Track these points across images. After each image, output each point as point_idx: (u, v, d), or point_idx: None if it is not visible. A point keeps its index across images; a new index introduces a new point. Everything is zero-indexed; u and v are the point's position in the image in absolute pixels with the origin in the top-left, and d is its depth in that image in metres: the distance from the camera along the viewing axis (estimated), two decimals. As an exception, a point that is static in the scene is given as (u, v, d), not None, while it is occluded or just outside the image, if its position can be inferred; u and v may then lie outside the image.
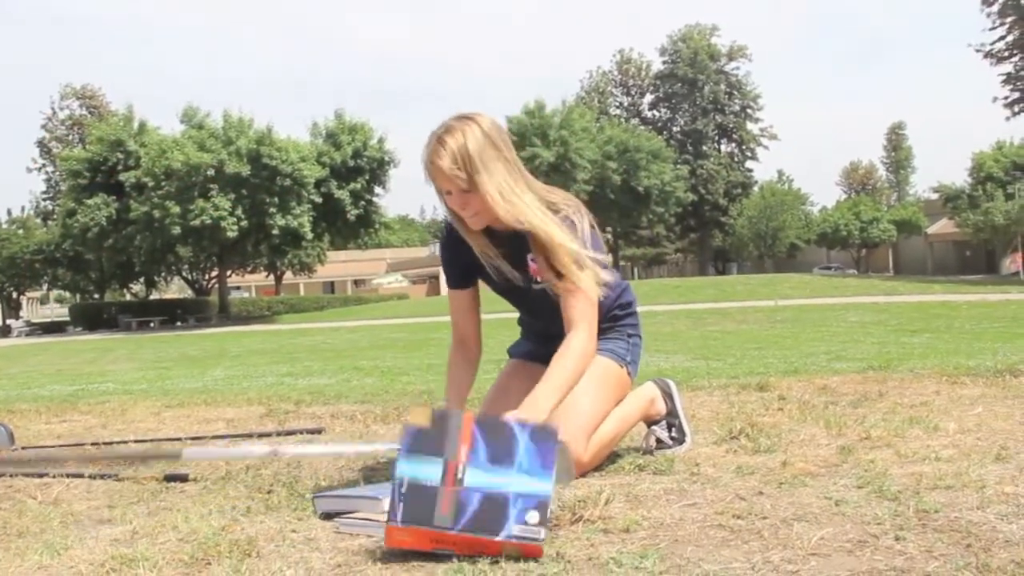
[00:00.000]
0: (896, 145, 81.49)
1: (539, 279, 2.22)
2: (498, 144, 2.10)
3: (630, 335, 2.46)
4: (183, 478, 2.39)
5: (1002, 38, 28.33)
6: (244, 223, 30.91)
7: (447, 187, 2.11)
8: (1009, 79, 28.83)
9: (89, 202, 31.82)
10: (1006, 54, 28.53)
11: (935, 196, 51.37)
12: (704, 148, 65.40)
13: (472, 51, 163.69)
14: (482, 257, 2.26)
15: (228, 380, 7.48)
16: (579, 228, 2.16)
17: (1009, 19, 27.71)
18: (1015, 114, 29.11)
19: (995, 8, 27.79)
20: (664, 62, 67.86)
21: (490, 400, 2.48)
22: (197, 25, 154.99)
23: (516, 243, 2.20)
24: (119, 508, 2.10)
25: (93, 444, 3.08)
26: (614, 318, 2.45)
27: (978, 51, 28.88)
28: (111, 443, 3.10)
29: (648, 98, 70.40)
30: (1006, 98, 28.91)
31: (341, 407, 4.03)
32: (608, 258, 2.28)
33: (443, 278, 2.48)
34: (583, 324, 2.15)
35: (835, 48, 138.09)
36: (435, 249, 79.93)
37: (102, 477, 2.46)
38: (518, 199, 2.10)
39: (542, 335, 2.43)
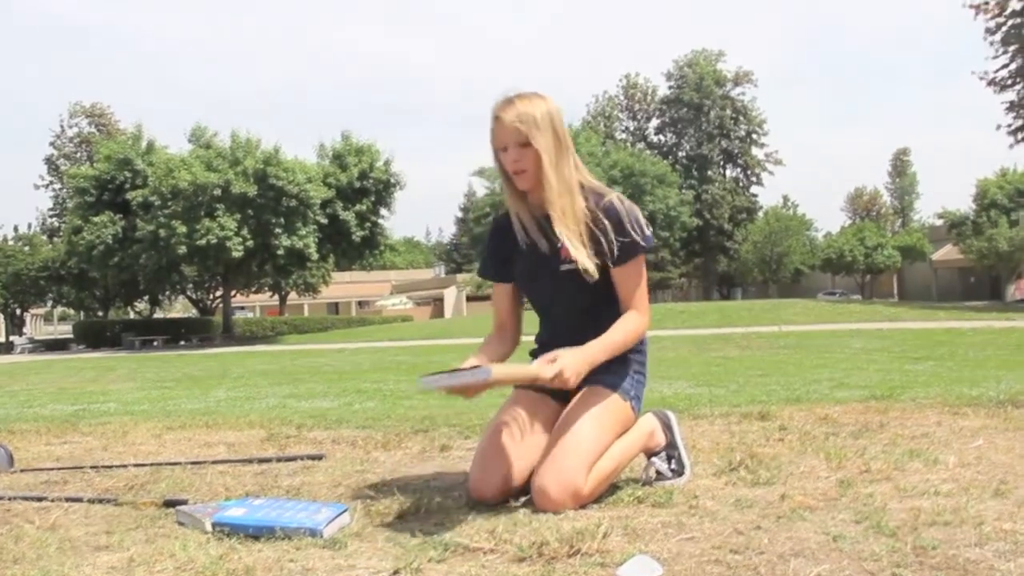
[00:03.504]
0: (901, 171, 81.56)
1: (569, 259, 2.33)
2: (556, 123, 2.32)
3: (636, 372, 2.47)
4: (182, 503, 2.39)
5: (1005, 66, 28.40)
6: (250, 243, 30.97)
7: (506, 141, 2.30)
8: (1012, 107, 28.84)
9: (95, 220, 31.91)
10: (1009, 82, 28.57)
11: (940, 222, 51.38)
12: (709, 173, 65.59)
13: (478, 75, 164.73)
14: (518, 224, 2.42)
15: (230, 401, 7.48)
16: (626, 212, 2.33)
17: (1012, 48, 27.78)
18: (1018, 141, 29.13)
19: (998, 37, 27.87)
20: (670, 87, 68.26)
21: (488, 437, 2.42)
22: (208, 44, 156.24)
23: (549, 224, 2.35)
24: (117, 534, 2.10)
25: (93, 467, 3.08)
26: (623, 354, 2.44)
27: (982, 79, 28.94)
28: (111, 466, 3.10)
29: (654, 123, 70.75)
30: (1009, 126, 28.92)
31: (342, 432, 4.02)
32: (651, 236, 2.43)
33: (475, 270, 2.79)
34: (638, 306, 2.38)
35: (841, 74, 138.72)
36: (440, 271, 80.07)
37: (101, 501, 2.46)
38: (561, 172, 2.31)
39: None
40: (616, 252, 2.34)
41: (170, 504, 2.39)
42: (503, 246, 2.51)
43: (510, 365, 2.32)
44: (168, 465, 3.09)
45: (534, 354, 2.53)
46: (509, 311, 2.56)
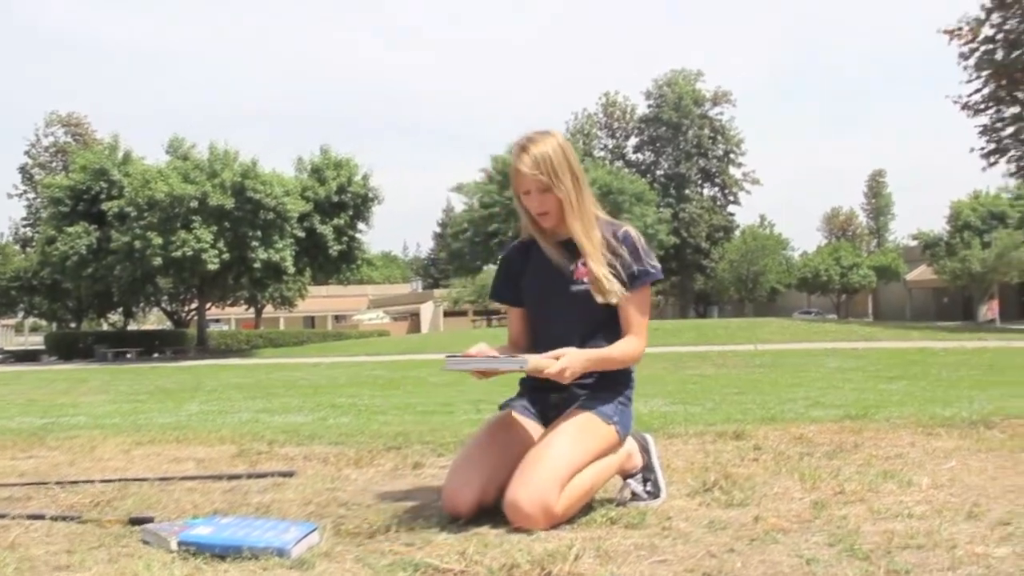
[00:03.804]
0: (876, 192, 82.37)
1: (584, 280, 2.44)
2: (570, 157, 2.46)
3: (621, 402, 2.49)
4: (148, 521, 2.34)
5: (978, 91, 28.77)
6: (226, 256, 30.72)
7: (526, 187, 2.43)
8: (985, 131, 29.22)
9: (70, 230, 31.57)
10: (982, 107, 28.95)
11: (914, 243, 51.95)
12: (687, 192, 65.93)
13: (457, 91, 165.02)
14: (546, 249, 2.51)
15: (202, 415, 7.39)
16: (638, 241, 2.48)
17: (985, 73, 28.17)
18: (991, 164, 29.49)
19: (972, 62, 28.27)
20: (649, 106, 68.63)
21: (466, 452, 2.42)
22: (189, 55, 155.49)
23: (568, 250, 2.49)
24: (79, 553, 2.05)
25: (58, 483, 3.02)
26: (610, 377, 2.48)
27: (956, 103, 29.29)
28: (76, 482, 3.04)
29: (632, 141, 71.10)
30: (982, 149, 29.28)
31: (315, 448, 3.98)
32: (660, 268, 2.55)
33: (488, 292, 2.91)
34: (638, 332, 2.47)
35: (818, 95, 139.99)
36: (417, 286, 79.95)
37: (64, 519, 2.41)
38: (583, 207, 2.45)
39: (540, 385, 2.47)
40: (629, 279, 2.44)
41: (135, 522, 2.34)
42: (515, 271, 2.62)
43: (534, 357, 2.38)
44: (135, 481, 3.04)
45: (522, 383, 2.62)
46: (521, 332, 2.65)
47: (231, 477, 3.09)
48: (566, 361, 2.29)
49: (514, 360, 2.28)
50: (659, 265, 2.51)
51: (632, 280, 2.44)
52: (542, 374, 2.29)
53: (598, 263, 2.42)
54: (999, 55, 27.91)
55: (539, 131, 2.48)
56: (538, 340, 2.56)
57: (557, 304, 2.51)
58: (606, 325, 2.48)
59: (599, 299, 2.42)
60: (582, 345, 2.40)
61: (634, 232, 2.49)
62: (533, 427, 2.49)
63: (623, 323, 2.47)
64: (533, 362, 2.27)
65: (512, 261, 2.65)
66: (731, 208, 69.30)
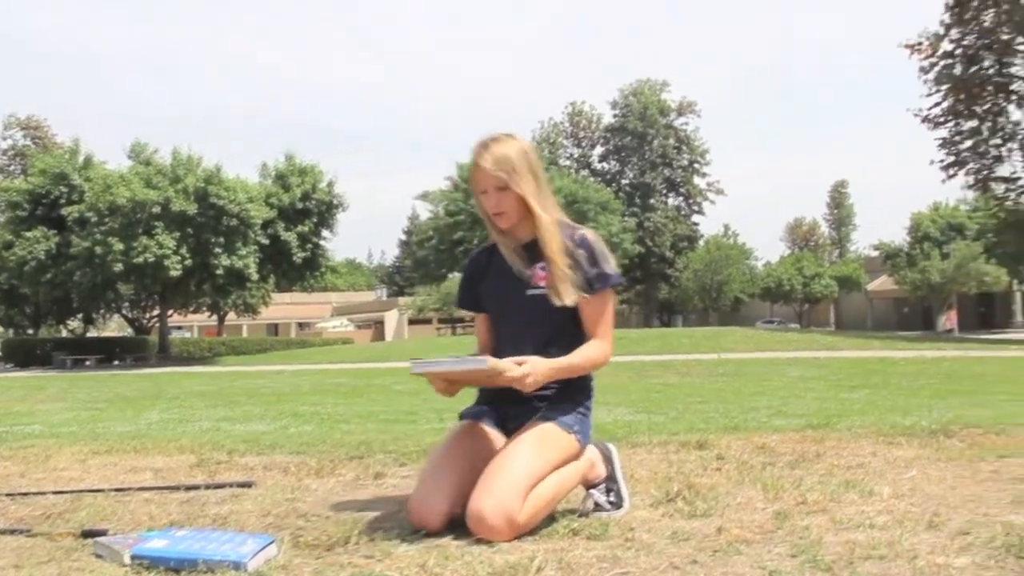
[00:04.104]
0: (839, 203, 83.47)
1: (541, 284, 2.42)
2: (532, 161, 2.45)
3: (580, 412, 2.48)
4: (101, 533, 2.28)
5: (938, 104, 29.18)
6: (188, 262, 30.38)
7: (485, 185, 2.41)
8: (945, 144, 29.63)
9: (28, 235, 31.05)
10: (942, 120, 29.36)
11: (875, 253, 52.77)
12: (652, 201, 66.29)
13: (422, 99, 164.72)
14: (503, 251, 2.49)
15: (162, 424, 7.28)
16: (596, 245, 2.44)
17: (944, 87, 28.62)
18: (950, 177, 29.89)
19: (931, 76, 28.70)
20: (615, 115, 68.95)
21: (433, 463, 2.40)
22: (152, 60, 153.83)
23: (527, 253, 2.47)
24: (27, 568, 1.99)
25: (8, 495, 2.94)
26: (569, 388, 2.46)
27: (916, 116, 29.71)
28: (28, 494, 2.96)
29: (598, 150, 71.37)
30: (942, 161, 29.68)
31: (275, 458, 3.93)
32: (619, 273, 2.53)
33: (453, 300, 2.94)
34: (603, 336, 2.45)
35: (780, 106, 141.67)
36: (381, 294, 79.66)
37: (12, 532, 2.34)
38: (549, 207, 2.44)
39: (499, 395, 2.46)
40: (588, 284, 2.41)
41: (88, 535, 2.28)
42: (477, 278, 2.61)
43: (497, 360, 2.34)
44: (90, 492, 2.97)
45: (481, 391, 2.61)
46: (488, 339, 2.62)
47: (189, 488, 3.03)
48: (529, 368, 2.27)
49: (477, 360, 2.27)
50: (618, 270, 2.49)
51: (591, 285, 2.42)
52: (502, 377, 2.26)
53: (557, 266, 2.39)
54: (958, 69, 28.39)
55: (504, 132, 2.48)
56: (499, 347, 2.55)
57: (514, 309, 2.50)
58: (566, 331, 2.45)
59: (556, 302, 2.39)
60: (539, 351, 2.37)
61: (592, 236, 2.46)
62: (496, 437, 2.47)
63: (586, 327, 2.45)
64: (492, 362, 2.25)
65: (476, 266, 2.64)
66: (695, 218, 69.81)
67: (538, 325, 2.45)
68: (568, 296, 2.39)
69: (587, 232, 2.47)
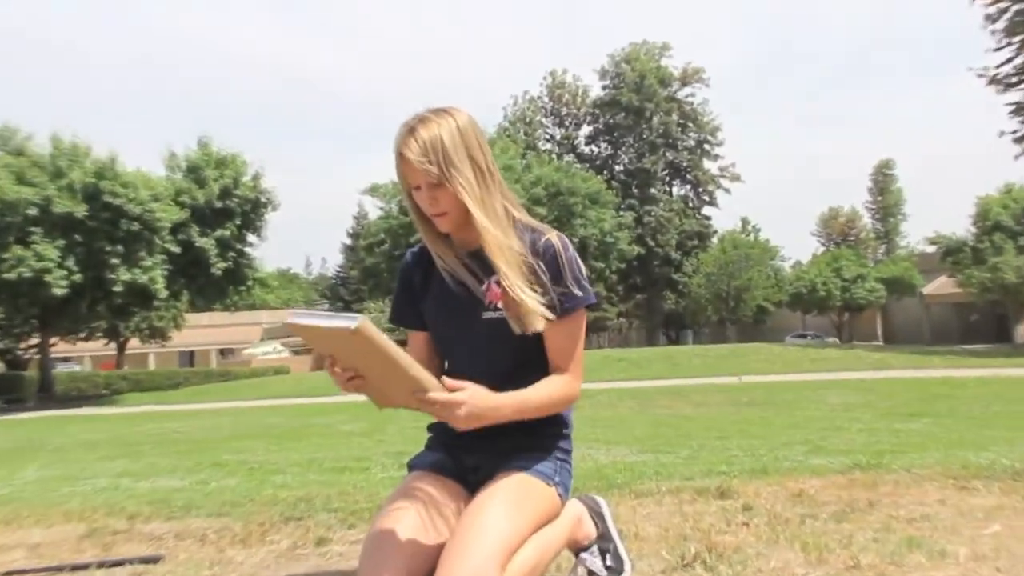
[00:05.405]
0: (884, 188, 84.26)
1: (496, 305, 2.32)
2: (472, 143, 2.32)
3: (559, 458, 2.42)
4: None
5: (1009, 60, 28.72)
6: (77, 277, 30.18)
7: (415, 181, 2.31)
8: (1018, 109, 29.25)
9: None
10: (1015, 80, 28.90)
11: (932, 249, 53.05)
12: (652, 191, 66.78)
13: (371, 78, 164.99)
14: (442, 265, 2.42)
15: (43, 484, 7.18)
16: (566, 257, 2.33)
17: (1018, 39, 28.05)
18: (1026, 151, 29.61)
19: (1001, 25, 28.10)
20: (604, 87, 69.47)
21: (380, 529, 2.32)
22: (31, 30, 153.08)
23: (477, 264, 2.38)
24: None
25: None
26: (543, 428, 2.41)
27: (980, 76, 29.54)
28: None
29: (585, 130, 71.91)
30: (1015, 132, 29.33)
31: (190, 523, 3.89)
32: (591, 292, 2.41)
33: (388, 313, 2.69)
34: (571, 370, 2.35)
35: (810, 72, 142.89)
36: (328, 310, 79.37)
37: None
38: (490, 208, 2.32)
39: (456, 438, 2.37)
40: (553, 303, 2.31)
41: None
42: (414, 288, 2.52)
43: (401, 350, 2.17)
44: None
45: (431, 428, 2.51)
46: (427, 361, 2.47)
47: (75, 568, 3.00)
48: (466, 396, 2.10)
49: (347, 316, 1.99)
50: (588, 286, 2.38)
51: (558, 304, 2.32)
52: (426, 399, 2.08)
53: (515, 281, 2.29)
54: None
55: (436, 108, 2.36)
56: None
57: (465, 336, 2.41)
58: (532, 362, 2.38)
59: (516, 328, 2.31)
60: (501, 387, 2.26)
61: (558, 241, 2.36)
62: (457, 491, 2.40)
63: (550, 356, 2.36)
64: (418, 369, 2.06)
65: (411, 273, 2.54)
66: (707, 210, 70.49)
67: (498, 354, 2.37)
68: (531, 322, 2.29)
69: (554, 237, 2.37)
